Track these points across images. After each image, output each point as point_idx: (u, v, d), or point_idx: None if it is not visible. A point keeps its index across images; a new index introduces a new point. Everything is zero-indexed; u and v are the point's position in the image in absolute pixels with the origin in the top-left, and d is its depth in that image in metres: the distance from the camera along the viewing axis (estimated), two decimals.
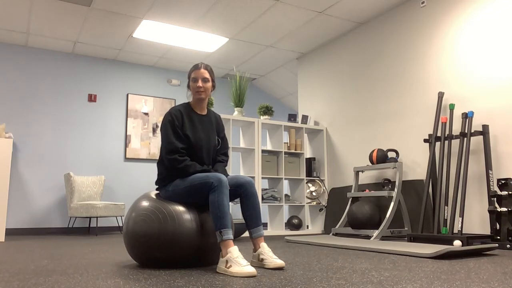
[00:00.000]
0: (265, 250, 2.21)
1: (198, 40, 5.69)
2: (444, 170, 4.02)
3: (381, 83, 4.93)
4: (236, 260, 1.98)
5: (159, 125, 6.62)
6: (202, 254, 2.26)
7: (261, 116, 5.47)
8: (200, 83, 2.41)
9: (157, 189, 2.47)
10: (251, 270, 1.93)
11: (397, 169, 4.26)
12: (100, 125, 6.22)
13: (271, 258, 2.18)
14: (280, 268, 2.16)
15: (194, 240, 2.21)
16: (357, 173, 4.77)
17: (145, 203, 2.30)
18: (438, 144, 4.16)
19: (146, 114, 6.56)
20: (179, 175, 2.34)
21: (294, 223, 5.27)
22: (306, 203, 5.41)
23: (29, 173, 5.68)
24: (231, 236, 2.10)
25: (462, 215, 3.52)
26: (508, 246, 3.19)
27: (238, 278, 1.87)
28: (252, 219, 2.27)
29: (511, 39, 3.68)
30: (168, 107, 6.74)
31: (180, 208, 2.26)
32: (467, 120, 3.82)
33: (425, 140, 4.11)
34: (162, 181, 2.42)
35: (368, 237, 4.25)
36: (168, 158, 2.33)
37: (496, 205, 3.47)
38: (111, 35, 5.54)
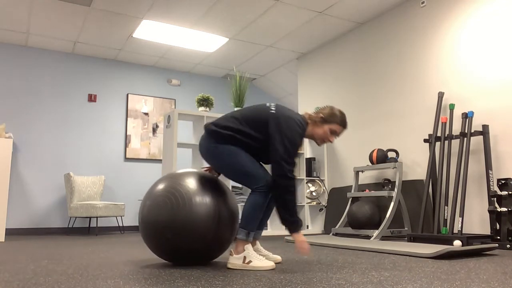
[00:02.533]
0: (262, 248, 2.48)
1: (198, 40, 5.69)
2: (444, 170, 4.02)
3: (381, 83, 4.93)
4: (256, 256, 2.17)
5: (159, 125, 6.62)
6: (215, 242, 2.25)
7: None
8: (334, 140, 2.44)
9: (212, 141, 2.29)
10: (272, 263, 2.17)
11: (397, 169, 4.26)
12: (100, 125, 6.22)
13: (272, 254, 2.45)
14: (279, 262, 2.43)
15: (208, 227, 2.19)
16: (357, 173, 4.77)
17: (160, 186, 2.27)
18: (438, 144, 4.16)
19: (146, 114, 6.56)
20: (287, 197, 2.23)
21: None
22: (306, 203, 5.41)
23: (29, 173, 5.68)
24: (252, 239, 2.26)
25: (462, 215, 3.52)
26: (508, 246, 3.19)
27: (238, 278, 1.87)
28: (261, 223, 2.47)
29: (511, 39, 3.68)
30: (168, 107, 6.73)
31: (195, 191, 2.22)
32: (467, 120, 3.82)
33: (425, 140, 4.11)
34: (226, 138, 2.28)
35: (368, 237, 4.25)
36: (289, 170, 2.24)
37: (496, 205, 3.46)
38: (111, 35, 5.54)
